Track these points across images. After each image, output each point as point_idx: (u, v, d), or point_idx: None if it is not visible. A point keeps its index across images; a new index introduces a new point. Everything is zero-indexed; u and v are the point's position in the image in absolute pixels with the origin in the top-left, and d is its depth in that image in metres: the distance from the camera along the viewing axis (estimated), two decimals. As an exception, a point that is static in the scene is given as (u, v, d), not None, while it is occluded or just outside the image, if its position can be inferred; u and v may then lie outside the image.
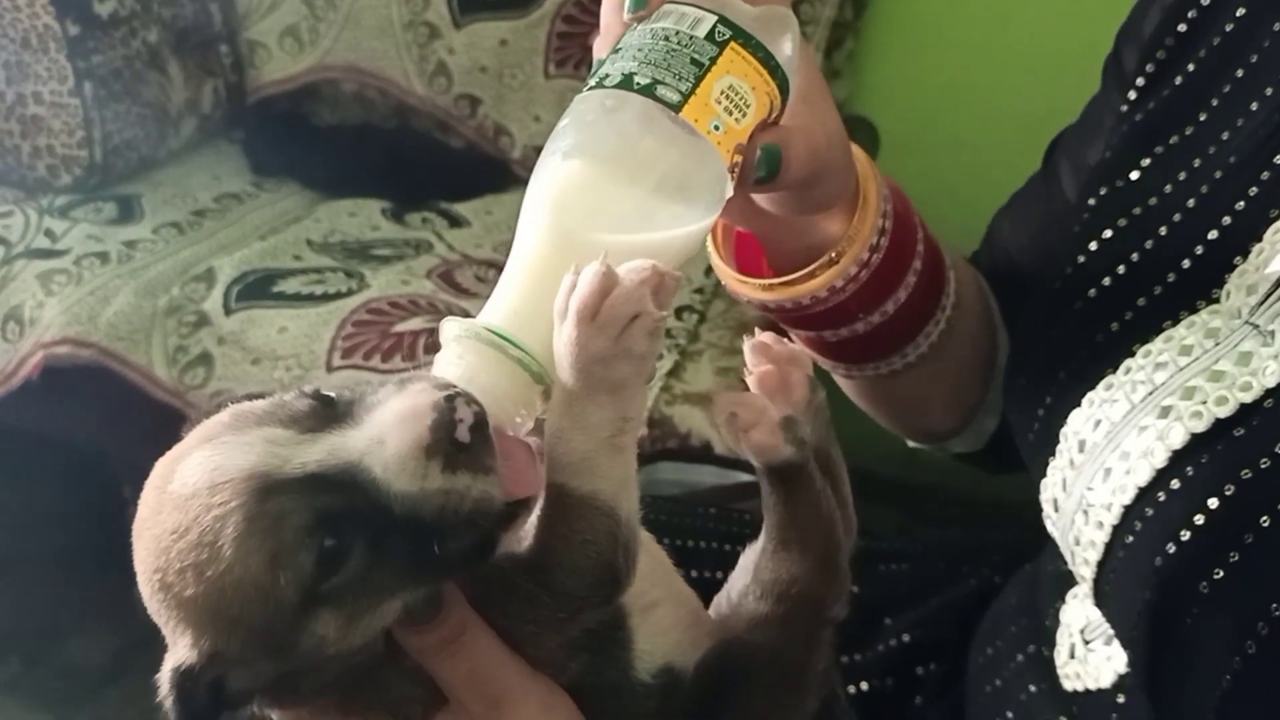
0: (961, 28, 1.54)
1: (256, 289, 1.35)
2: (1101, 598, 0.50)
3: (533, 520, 0.43)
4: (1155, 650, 0.47)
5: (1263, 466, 0.43)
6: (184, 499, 0.39)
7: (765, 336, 0.51)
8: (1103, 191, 0.58)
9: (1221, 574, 0.43)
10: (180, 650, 0.40)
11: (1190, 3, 0.58)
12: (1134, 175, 0.57)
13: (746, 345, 0.51)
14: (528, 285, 0.42)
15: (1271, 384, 0.45)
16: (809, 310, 0.58)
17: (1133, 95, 0.59)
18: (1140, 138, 0.58)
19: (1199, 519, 0.44)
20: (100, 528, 1.49)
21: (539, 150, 0.45)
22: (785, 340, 0.52)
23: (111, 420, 1.36)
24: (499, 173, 1.63)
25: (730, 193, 0.45)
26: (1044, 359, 0.57)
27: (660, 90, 0.42)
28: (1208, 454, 0.45)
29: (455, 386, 0.39)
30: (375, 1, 1.63)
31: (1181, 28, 0.58)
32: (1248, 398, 0.45)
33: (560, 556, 0.42)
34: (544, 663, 0.45)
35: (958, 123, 1.52)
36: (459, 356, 0.41)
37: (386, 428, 0.38)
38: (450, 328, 0.41)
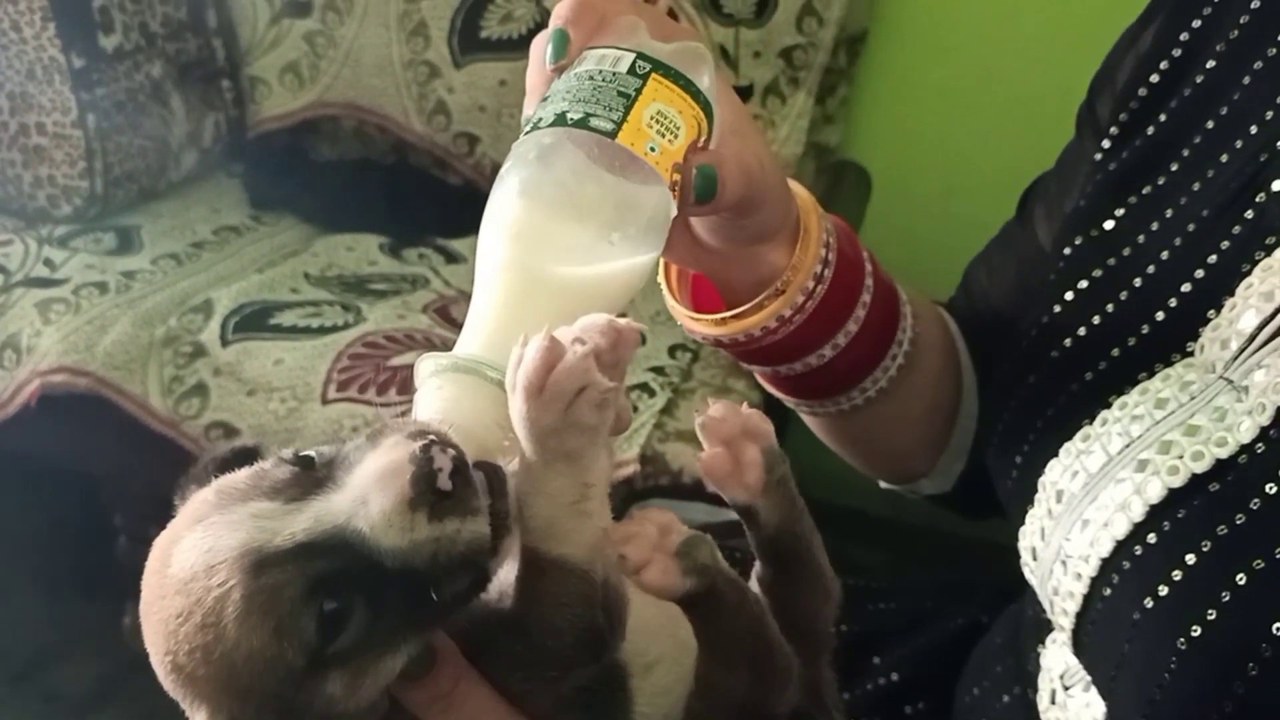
0: (954, 76, 1.57)
1: (253, 321, 1.36)
2: (1080, 647, 0.51)
3: (512, 579, 0.43)
4: (1130, 701, 0.48)
5: (1238, 522, 0.44)
6: (183, 583, 0.40)
7: (717, 409, 0.49)
8: (1077, 241, 0.59)
9: (1199, 630, 0.44)
10: None
11: (1162, 54, 0.59)
12: (1108, 225, 0.58)
13: (697, 422, 0.49)
14: (496, 314, 0.43)
15: (1246, 440, 0.46)
16: (761, 343, 0.58)
17: (1106, 144, 0.60)
18: (1113, 188, 0.59)
19: (1176, 574, 0.45)
20: (89, 554, 1.50)
21: None
22: (739, 408, 0.49)
23: (105, 449, 1.37)
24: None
25: (674, 212, 0.47)
26: (1020, 408, 0.58)
27: (594, 121, 0.44)
28: (1184, 509, 0.46)
29: (430, 434, 0.39)
30: (376, 40, 1.65)
31: (1154, 78, 0.59)
32: (1223, 453, 0.46)
33: (539, 618, 0.43)
34: (535, 711, 0.45)
35: (949, 169, 1.54)
36: (438, 389, 0.42)
37: (368, 487, 0.39)
38: (425, 364, 0.42)
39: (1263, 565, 0.42)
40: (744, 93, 1.55)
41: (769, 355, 0.60)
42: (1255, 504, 0.44)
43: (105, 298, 1.37)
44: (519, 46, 1.59)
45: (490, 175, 1.63)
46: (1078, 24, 0.68)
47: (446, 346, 1.42)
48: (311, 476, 0.41)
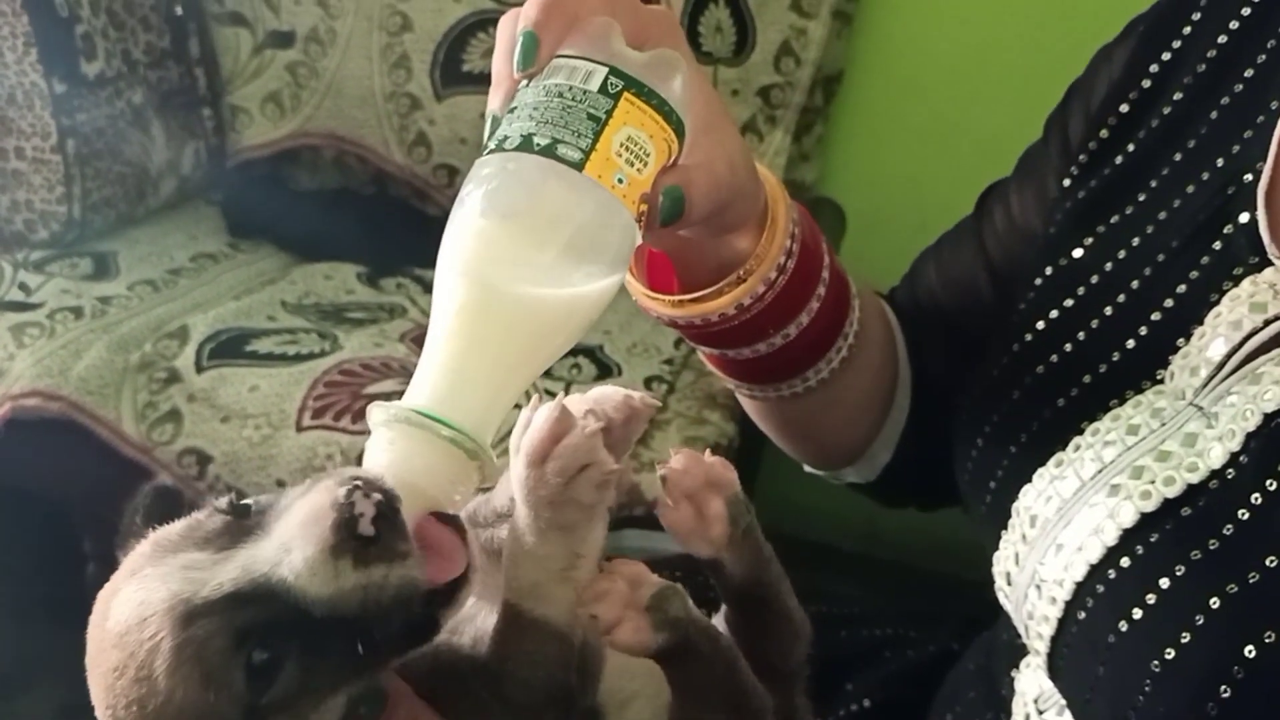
0: (927, 117, 1.60)
1: (229, 348, 1.36)
2: (1055, 671, 0.52)
3: (490, 627, 0.44)
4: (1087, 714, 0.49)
5: (1211, 547, 0.45)
6: (119, 636, 0.40)
7: (678, 460, 0.49)
8: (1048, 271, 0.60)
9: (1173, 653, 0.44)
10: None
11: (1132, 84, 0.60)
12: (1077, 254, 0.59)
13: (659, 474, 0.49)
14: (451, 357, 0.42)
15: (1216, 465, 0.47)
16: (715, 328, 0.58)
17: (1075, 171, 0.62)
18: (1083, 215, 0.60)
19: (1150, 598, 0.46)
20: (57, 581, 1.48)
21: None
22: (702, 458, 0.50)
23: (77, 474, 1.36)
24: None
25: (639, 240, 0.46)
26: (994, 434, 0.59)
27: (561, 150, 0.42)
28: (1157, 533, 0.47)
29: (357, 479, 0.39)
30: (358, 72, 1.66)
31: (1123, 108, 0.60)
32: (1194, 479, 0.47)
33: (513, 672, 0.43)
34: None
35: (922, 206, 1.56)
36: (390, 442, 0.41)
37: (292, 534, 0.39)
38: (377, 414, 0.41)
39: (1236, 589, 0.43)
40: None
41: (721, 339, 0.60)
42: (1228, 529, 0.45)
43: (80, 323, 1.37)
44: (500, 80, 1.61)
45: (469, 207, 1.65)
46: (1049, 65, 0.70)
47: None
48: (244, 525, 0.41)
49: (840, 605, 0.84)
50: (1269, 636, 0.42)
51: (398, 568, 0.38)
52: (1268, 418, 0.46)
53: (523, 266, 0.42)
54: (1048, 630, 0.51)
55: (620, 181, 0.43)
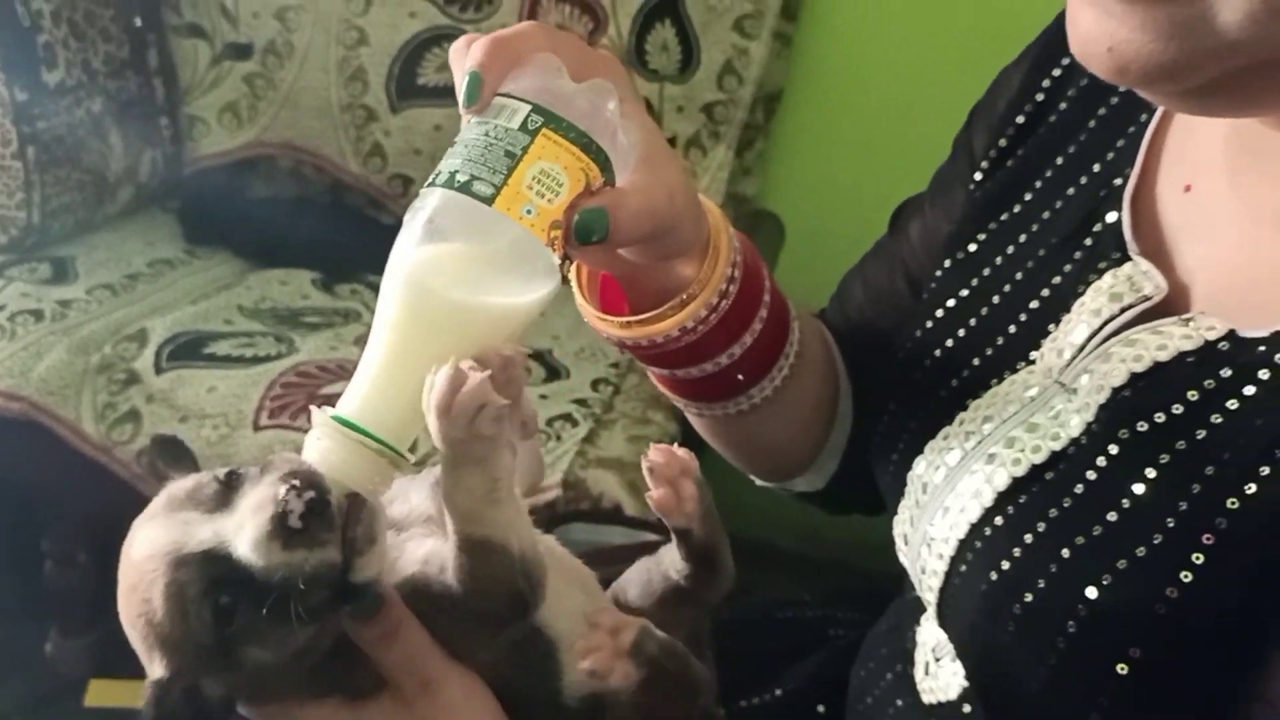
0: (864, 132, 1.67)
1: (187, 350, 1.39)
2: (943, 619, 0.58)
3: (452, 558, 0.52)
4: (981, 663, 0.55)
5: (1065, 505, 0.51)
6: (135, 564, 0.50)
7: (657, 454, 0.56)
8: (947, 264, 0.66)
9: (1031, 598, 0.50)
10: (154, 670, 0.50)
11: (1027, 98, 0.66)
12: (972, 248, 0.65)
13: (645, 467, 0.57)
14: (377, 370, 0.49)
15: (1074, 434, 0.53)
16: (662, 348, 0.62)
17: (978, 177, 0.67)
18: (979, 213, 0.66)
19: (1016, 551, 0.52)
20: (14, 579, 1.51)
21: None
22: (674, 450, 0.57)
23: (36, 473, 1.39)
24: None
25: (557, 261, 0.50)
26: (896, 413, 0.65)
27: (476, 186, 0.48)
28: (1025, 495, 0.53)
29: (296, 477, 0.47)
30: (315, 84, 1.70)
31: (1019, 119, 0.66)
32: (1056, 446, 0.53)
33: (471, 586, 0.51)
34: (484, 668, 0.54)
35: (859, 218, 1.61)
36: (318, 439, 0.48)
37: (244, 516, 0.48)
38: (316, 416, 0.49)
39: (1083, 541, 0.49)
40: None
41: (668, 360, 0.64)
42: (1079, 489, 0.51)
43: (41, 325, 1.40)
44: (454, 93, 1.66)
45: (423, 215, 1.70)
46: (977, 85, 0.76)
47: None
48: (229, 494, 0.50)
49: (779, 591, 0.90)
50: (1106, 579, 0.48)
51: (316, 553, 0.47)
52: (1115, 391, 0.52)
53: (444, 284, 0.48)
54: (936, 583, 0.57)
55: (529, 212, 0.48)
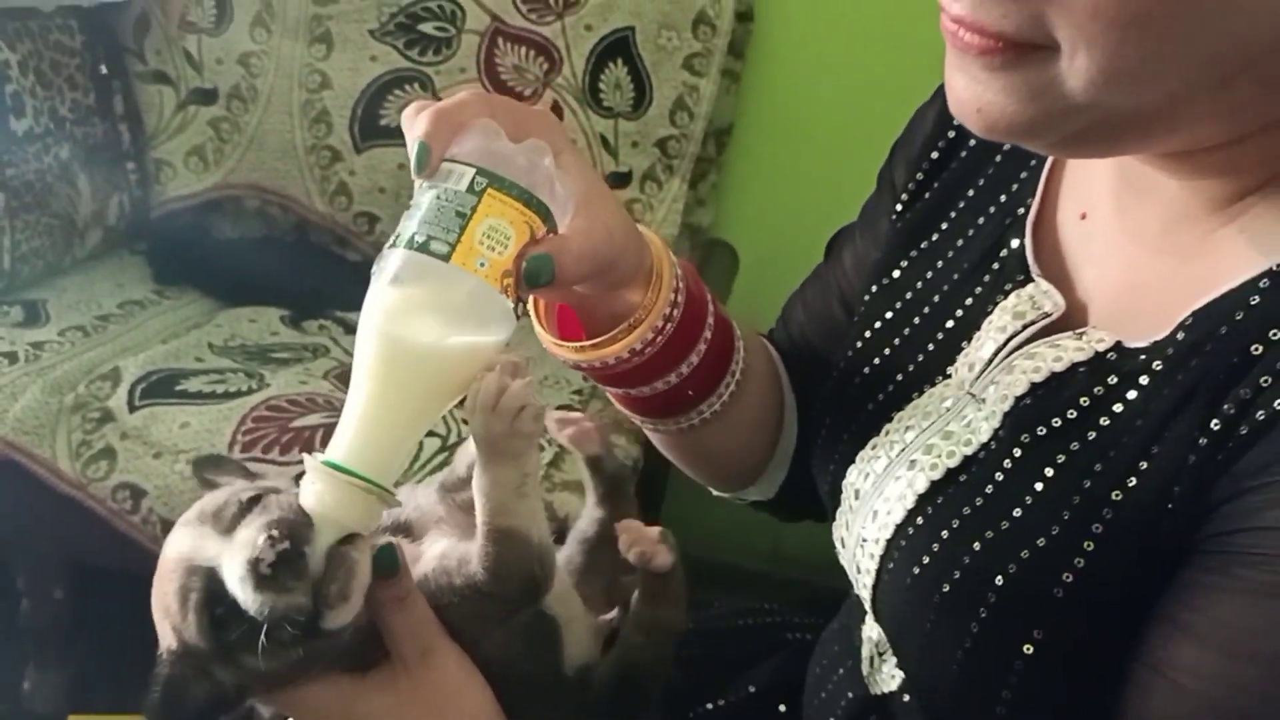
0: (812, 164, 1.74)
1: (160, 387, 1.42)
2: (877, 614, 0.63)
3: (460, 555, 0.59)
4: (909, 651, 0.60)
5: (977, 504, 0.56)
6: (165, 559, 0.56)
7: (627, 528, 0.65)
8: (874, 289, 0.71)
9: (948, 588, 0.55)
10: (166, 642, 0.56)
11: (940, 135, 0.72)
12: (895, 274, 0.70)
13: (618, 530, 0.65)
14: (360, 417, 0.53)
15: (984, 440, 0.58)
16: (615, 369, 0.66)
17: (899, 207, 0.73)
18: (901, 242, 0.71)
19: (935, 546, 0.57)
20: (-7, 619, 1.52)
21: None
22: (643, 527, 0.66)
23: (13, 512, 1.41)
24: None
25: (510, 306, 0.56)
26: (832, 426, 0.70)
27: (433, 245, 0.53)
28: (942, 496, 0.58)
29: (277, 527, 0.51)
30: (280, 126, 1.75)
31: (934, 154, 0.71)
32: (968, 451, 0.58)
33: (493, 570, 0.58)
34: (497, 647, 0.60)
35: (809, 246, 1.68)
36: (312, 483, 0.53)
37: (233, 553, 0.53)
38: (308, 461, 0.54)
39: (991, 535, 0.54)
40: (624, 179, 1.69)
41: (621, 380, 0.69)
42: (989, 489, 0.56)
43: (15, 367, 1.43)
44: (415, 135, 1.71)
45: (388, 252, 1.74)
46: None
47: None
48: (241, 516, 0.55)
49: (737, 607, 0.95)
50: (1011, 568, 0.53)
51: (284, 597, 0.52)
52: (1017, 399, 0.57)
53: (413, 333, 0.53)
54: (869, 581, 0.62)
55: (482, 265, 0.54)
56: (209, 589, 0.53)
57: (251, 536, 0.52)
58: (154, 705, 0.55)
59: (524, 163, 0.56)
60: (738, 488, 0.85)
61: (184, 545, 0.55)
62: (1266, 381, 0.46)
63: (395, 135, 1.72)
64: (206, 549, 0.54)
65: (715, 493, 0.87)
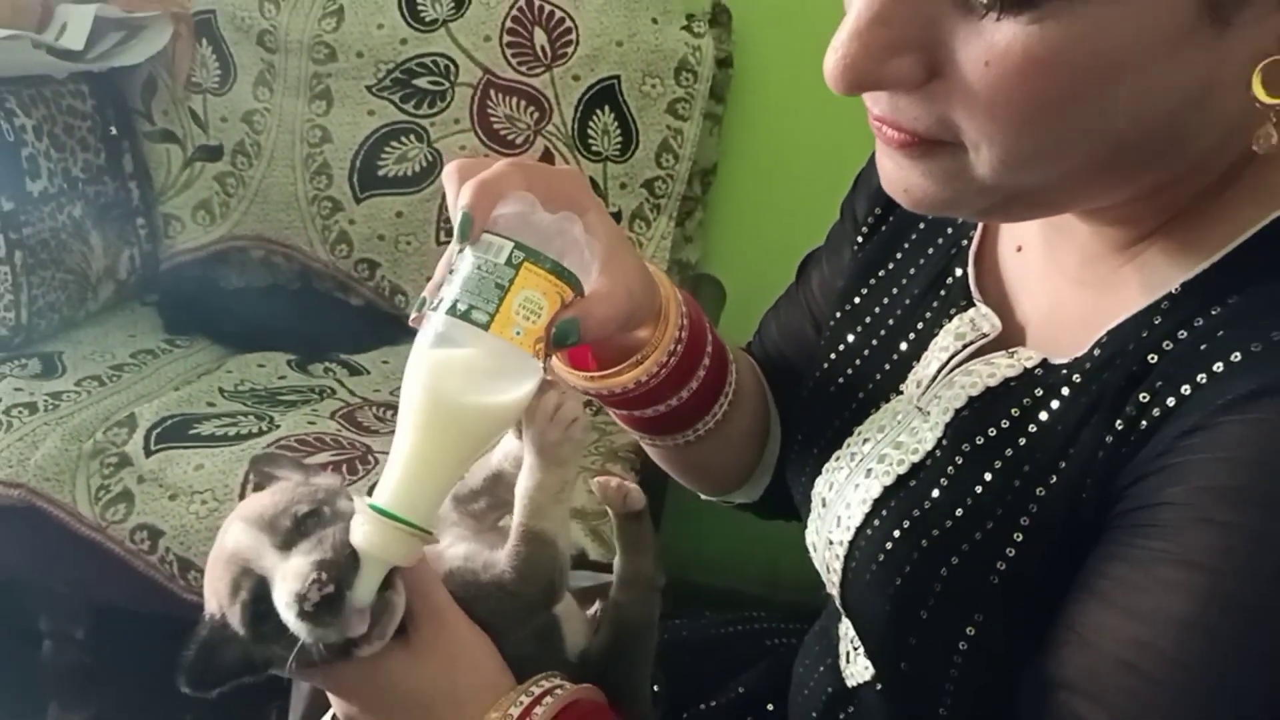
0: (792, 200, 1.80)
1: (175, 432, 1.48)
2: (846, 609, 0.69)
3: (485, 562, 0.66)
4: (873, 640, 0.66)
5: (925, 507, 0.62)
6: (223, 545, 0.63)
7: (602, 483, 0.72)
8: (838, 314, 0.78)
9: (900, 581, 0.61)
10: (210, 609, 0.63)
11: None
12: (856, 300, 0.77)
13: (595, 487, 0.73)
14: (404, 465, 0.59)
15: (929, 448, 0.64)
16: (623, 396, 0.73)
17: (860, 238, 0.79)
18: (861, 270, 0.78)
19: (889, 545, 0.63)
20: (19, 659, 1.57)
21: None
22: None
23: (35, 556, 1.47)
24: (394, 327, 1.81)
25: (541, 364, 0.62)
26: (803, 441, 0.76)
27: (474, 314, 0.59)
28: (895, 500, 0.64)
29: (325, 569, 0.58)
30: (283, 180, 1.82)
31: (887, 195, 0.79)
32: (916, 459, 0.64)
33: (521, 570, 0.64)
34: (513, 645, 0.66)
35: (791, 276, 1.76)
36: (360, 524, 0.59)
37: (285, 576, 0.59)
38: (357, 502, 0.60)
39: (937, 533, 0.61)
40: (614, 218, 1.76)
41: (628, 403, 0.75)
42: (935, 493, 0.62)
43: (35, 417, 1.49)
44: (413, 182, 1.79)
45: (389, 296, 1.82)
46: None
47: (353, 448, 1.61)
48: (296, 537, 0.61)
49: (727, 616, 1.01)
50: (954, 560, 0.59)
51: (320, 630, 0.58)
52: (957, 412, 0.63)
53: (454, 392, 0.60)
54: (837, 579, 0.67)
55: (518, 333, 0.60)
56: (257, 593, 0.59)
57: (303, 570, 0.57)
58: (188, 663, 0.61)
59: (556, 234, 0.62)
60: (725, 493, 0.91)
61: (242, 544, 0.60)
62: (1159, 384, 0.53)
63: (393, 184, 1.79)
64: (262, 558, 0.60)
65: (704, 497, 0.93)
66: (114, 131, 1.82)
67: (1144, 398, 0.53)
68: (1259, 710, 0.46)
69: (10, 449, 1.43)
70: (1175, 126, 0.50)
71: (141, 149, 1.87)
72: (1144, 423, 0.52)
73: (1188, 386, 0.51)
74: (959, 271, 0.70)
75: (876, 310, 0.75)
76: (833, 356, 0.77)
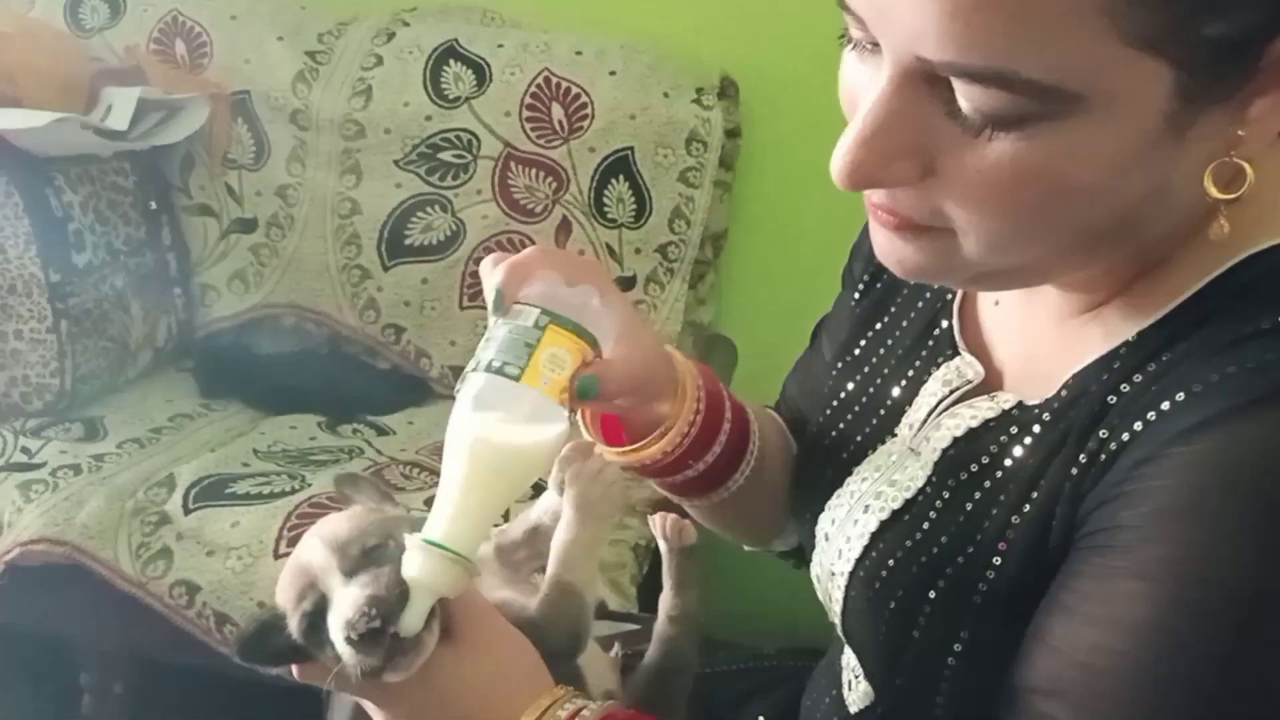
0: (801, 262, 1.85)
1: (212, 491, 1.55)
2: (847, 635, 0.74)
3: (517, 603, 0.71)
4: (871, 660, 0.72)
5: (917, 538, 0.68)
6: (299, 559, 0.68)
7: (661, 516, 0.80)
8: (839, 366, 0.84)
9: (894, 604, 0.67)
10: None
11: None
12: (856, 351, 0.83)
13: (652, 521, 0.81)
14: (451, 503, 0.66)
15: (920, 485, 0.70)
16: (655, 465, 0.80)
17: (856, 296, 0.86)
18: (859, 325, 0.85)
19: (884, 573, 0.69)
20: (60, 714, 1.63)
21: (455, 370, 0.72)
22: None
23: (77, 612, 1.52)
24: (420, 389, 1.88)
25: (566, 412, 0.69)
26: (807, 482, 0.83)
27: (507, 369, 0.66)
28: (890, 533, 0.70)
29: (376, 605, 0.63)
30: (315, 250, 1.90)
31: None
32: (908, 495, 0.70)
33: (551, 618, 0.70)
34: None
35: (800, 335, 1.80)
36: (412, 558, 0.65)
37: (341, 601, 0.65)
38: (409, 540, 0.66)
39: (925, 559, 0.66)
40: (629, 282, 1.83)
41: (659, 472, 0.82)
42: (926, 525, 0.68)
43: (79, 478, 1.56)
44: (438, 250, 1.86)
45: (415, 360, 1.89)
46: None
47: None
48: (359, 567, 0.66)
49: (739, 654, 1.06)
50: (941, 583, 0.65)
51: (363, 657, 0.64)
52: (944, 451, 0.69)
53: (493, 435, 0.67)
54: (838, 608, 0.73)
55: (545, 383, 0.68)
56: (316, 607, 0.66)
57: (357, 601, 0.63)
58: (244, 636, 0.67)
59: (577, 302, 0.70)
60: (767, 542, 0.97)
61: (314, 560, 0.67)
62: (1116, 422, 0.59)
63: (419, 253, 1.87)
64: (328, 577, 0.66)
65: (747, 549, 0.99)
66: (154, 206, 1.90)
67: (1104, 434, 0.59)
68: (1204, 699, 0.52)
69: (56, 508, 1.50)
70: (1136, 217, 0.58)
71: (180, 222, 1.96)
72: (1103, 456, 0.59)
73: (1140, 424, 0.57)
74: (945, 324, 0.77)
75: (873, 360, 0.82)
76: (834, 404, 0.83)
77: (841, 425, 0.82)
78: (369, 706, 0.71)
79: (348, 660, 0.64)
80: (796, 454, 0.89)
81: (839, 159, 0.57)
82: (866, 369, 0.82)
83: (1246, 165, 0.54)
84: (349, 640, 0.63)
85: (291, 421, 1.80)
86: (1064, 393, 0.64)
